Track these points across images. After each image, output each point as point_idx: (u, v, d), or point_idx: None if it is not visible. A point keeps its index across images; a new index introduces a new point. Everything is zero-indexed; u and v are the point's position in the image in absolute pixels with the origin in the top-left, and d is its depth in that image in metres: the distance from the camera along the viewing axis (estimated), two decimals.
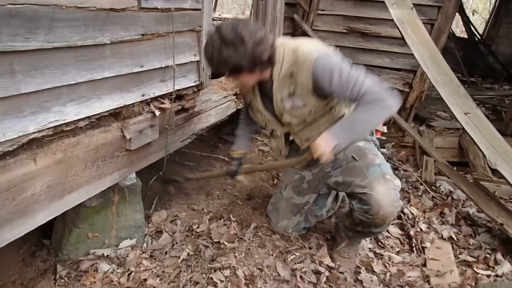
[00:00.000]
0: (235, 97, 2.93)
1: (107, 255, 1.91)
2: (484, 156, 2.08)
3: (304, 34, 3.75)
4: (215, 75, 2.55)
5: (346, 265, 1.90)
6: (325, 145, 1.56)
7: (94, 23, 1.39)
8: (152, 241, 2.06)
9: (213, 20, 9.00)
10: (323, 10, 3.67)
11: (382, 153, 1.90)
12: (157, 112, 1.87)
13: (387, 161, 1.92)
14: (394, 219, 2.15)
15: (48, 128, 1.33)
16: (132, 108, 1.75)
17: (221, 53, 1.52)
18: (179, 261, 1.85)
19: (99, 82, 1.50)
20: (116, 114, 1.70)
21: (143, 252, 1.94)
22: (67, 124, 1.41)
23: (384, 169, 1.71)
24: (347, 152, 1.81)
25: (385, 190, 1.65)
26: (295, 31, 3.81)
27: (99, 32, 1.43)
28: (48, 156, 1.37)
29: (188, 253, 1.89)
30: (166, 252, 1.94)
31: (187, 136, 2.32)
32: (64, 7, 1.26)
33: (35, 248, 1.93)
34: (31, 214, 1.37)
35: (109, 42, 1.48)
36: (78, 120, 1.45)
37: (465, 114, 2.17)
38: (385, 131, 2.38)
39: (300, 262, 1.82)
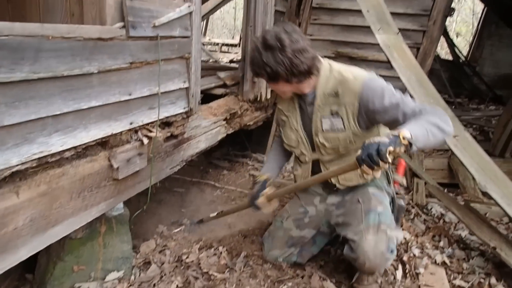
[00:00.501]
0: (225, 122, 2.92)
1: None
2: (474, 179, 2.08)
3: None
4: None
5: None
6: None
7: (81, 53, 1.39)
8: (140, 273, 1.99)
9: (203, 45, 9.13)
10: (311, 35, 3.74)
11: (399, 205, 1.86)
12: (145, 140, 1.84)
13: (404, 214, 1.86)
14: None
15: (32, 160, 1.30)
16: (120, 137, 1.73)
17: (261, 56, 1.54)
18: None
19: (86, 112, 1.47)
20: (103, 143, 1.67)
21: (130, 285, 1.87)
22: (52, 155, 1.37)
23: (382, 218, 1.67)
24: (354, 194, 1.80)
25: (375, 241, 1.61)
26: None
27: (86, 61, 1.42)
28: (31, 188, 1.33)
29: (177, 286, 1.83)
30: (154, 285, 1.87)
31: (176, 163, 2.29)
32: (50, 37, 1.25)
33: (17, 283, 1.86)
34: (13, 249, 1.32)
35: (96, 71, 1.47)
36: (64, 151, 1.42)
37: (454, 137, 2.19)
38: (404, 183, 2.37)
39: None
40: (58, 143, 1.38)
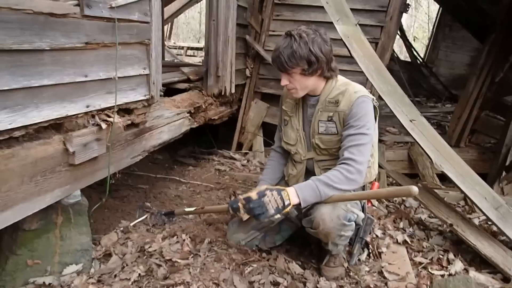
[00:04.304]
0: (189, 114, 2.89)
1: (49, 284, 1.73)
2: (431, 160, 2.16)
3: (257, 54, 3.82)
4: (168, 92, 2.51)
5: (332, 274, 1.88)
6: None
7: (31, 27, 1.33)
8: (100, 265, 1.92)
9: (169, 48, 9.03)
10: (274, 31, 3.78)
11: (369, 218, 1.95)
12: (103, 125, 1.79)
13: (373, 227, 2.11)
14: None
15: None
16: (76, 120, 1.67)
17: (290, 45, 1.67)
18: (130, 283, 1.72)
19: (37, 90, 1.41)
20: (57, 126, 1.60)
21: (90, 278, 1.79)
22: (0, 133, 1.30)
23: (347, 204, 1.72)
24: None
25: (333, 206, 1.67)
26: (248, 51, 3.88)
27: (37, 37, 1.36)
28: None
29: (139, 274, 1.77)
30: (115, 275, 1.80)
31: (137, 153, 2.23)
32: None
33: None
34: None
35: (48, 48, 1.42)
36: (13, 130, 1.35)
37: (411, 121, 2.27)
38: (375, 205, 2.49)
39: (258, 274, 1.76)
40: (7, 120, 1.31)
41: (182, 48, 9.95)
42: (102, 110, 1.81)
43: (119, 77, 1.84)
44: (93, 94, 1.71)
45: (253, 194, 1.67)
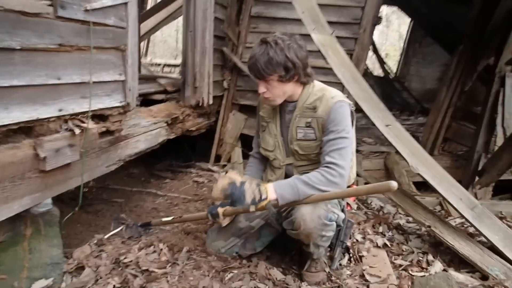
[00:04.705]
0: (166, 124, 2.85)
1: None
2: (407, 162, 2.20)
3: (235, 66, 3.85)
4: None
5: (313, 279, 1.86)
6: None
7: (1, 25, 1.29)
8: (72, 279, 1.82)
9: (150, 65, 8.97)
10: (251, 43, 3.81)
11: (349, 221, 1.95)
12: (77, 130, 1.73)
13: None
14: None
15: None
16: (48, 124, 1.61)
17: (257, 49, 1.69)
18: None
19: (6, 90, 1.36)
20: (28, 130, 1.54)
21: None
22: None
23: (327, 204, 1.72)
24: None
25: (313, 206, 1.66)
26: (225, 63, 3.89)
27: (7, 35, 1.32)
28: None
29: (114, 286, 1.69)
30: None
31: (113, 162, 2.17)
32: None
33: None
34: None
35: (19, 48, 1.37)
36: None
37: (386, 126, 2.31)
38: (354, 208, 2.50)
39: (239, 281, 1.71)
40: None
41: (159, 65, 9.89)
42: (76, 114, 1.76)
43: (94, 82, 1.80)
44: (66, 98, 1.66)
45: (237, 181, 1.66)
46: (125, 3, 1.95)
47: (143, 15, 5.99)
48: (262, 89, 1.76)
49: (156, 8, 6.27)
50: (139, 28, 3.11)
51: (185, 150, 4.20)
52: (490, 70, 3.53)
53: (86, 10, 1.67)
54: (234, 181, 1.66)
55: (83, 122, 1.80)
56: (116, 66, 1.98)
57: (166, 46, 14.37)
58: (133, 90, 2.16)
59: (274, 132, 1.95)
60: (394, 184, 1.43)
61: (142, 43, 7.68)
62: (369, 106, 2.39)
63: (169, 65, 10.39)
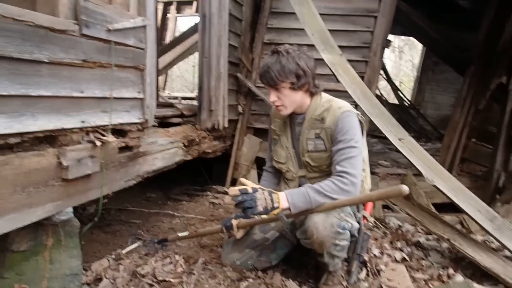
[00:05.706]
0: (182, 145, 2.92)
1: None
2: (422, 174, 2.19)
3: (249, 91, 3.95)
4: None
5: None
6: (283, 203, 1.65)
7: (32, 39, 1.40)
8: None
9: (169, 99, 9.24)
10: None
11: (365, 234, 1.93)
12: (98, 143, 1.81)
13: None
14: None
15: None
16: (71, 135, 1.69)
17: (269, 59, 1.78)
18: None
19: (34, 100, 1.45)
20: (52, 140, 1.62)
21: None
22: None
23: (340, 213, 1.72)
24: None
25: (326, 215, 1.66)
26: (239, 88, 4.01)
27: (37, 48, 1.43)
28: None
29: None
30: None
31: (131, 177, 2.23)
32: (1, 16, 1.27)
33: None
34: None
35: (47, 61, 1.48)
36: (8, 136, 1.37)
37: (400, 139, 2.32)
38: (371, 222, 2.52)
39: None
40: (3, 125, 1.33)
41: (176, 98, 10.18)
42: (97, 127, 1.84)
43: (114, 98, 1.89)
44: (88, 111, 1.76)
45: (249, 187, 1.67)
46: (144, 26, 2.09)
47: (161, 50, 6.26)
48: (273, 97, 1.82)
49: (173, 44, 6.55)
50: (157, 49, 3.25)
51: (202, 175, 4.25)
52: (503, 89, 3.53)
53: (109, 30, 1.79)
54: (246, 189, 1.68)
55: (103, 135, 1.88)
56: (135, 84, 2.09)
57: (183, 80, 14.85)
58: (151, 108, 2.25)
59: (286, 144, 1.99)
60: (405, 188, 1.43)
61: (160, 77, 7.97)
62: (382, 121, 2.42)
63: (185, 98, 10.67)
